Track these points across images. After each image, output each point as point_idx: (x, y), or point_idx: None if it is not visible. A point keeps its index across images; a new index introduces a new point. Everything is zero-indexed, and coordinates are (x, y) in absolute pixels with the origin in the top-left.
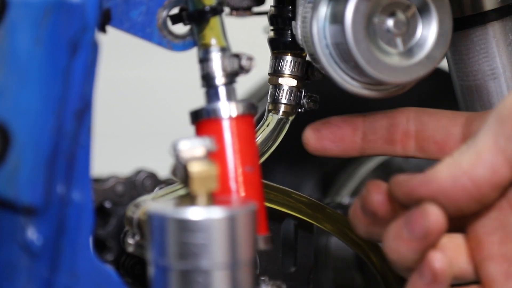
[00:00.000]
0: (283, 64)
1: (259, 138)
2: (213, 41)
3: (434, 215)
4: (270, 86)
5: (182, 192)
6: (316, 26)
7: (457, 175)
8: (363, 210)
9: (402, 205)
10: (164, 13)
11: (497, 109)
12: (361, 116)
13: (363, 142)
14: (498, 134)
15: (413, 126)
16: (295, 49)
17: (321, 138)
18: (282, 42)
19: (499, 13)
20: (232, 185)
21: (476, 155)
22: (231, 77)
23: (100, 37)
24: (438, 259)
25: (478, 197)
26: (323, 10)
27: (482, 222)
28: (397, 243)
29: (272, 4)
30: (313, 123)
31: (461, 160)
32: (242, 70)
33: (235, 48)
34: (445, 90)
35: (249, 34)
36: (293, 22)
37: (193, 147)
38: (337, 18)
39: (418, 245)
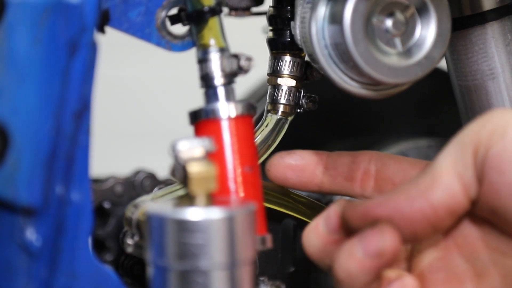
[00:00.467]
0: (282, 64)
1: (258, 138)
2: (212, 42)
3: (389, 234)
4: (269, 86)
5: (181, 192)
6: (315, 26)
7: (414, 196)
8: (325, 226)
9: (356, 228)
10: (163, 14)
11: (459, 136)
12: (326, 152)
13: (323, 177)
14: (457, 160)
15: (374, 166)
16: (294, 49)
17: (283, 166)
18: (281, 43)
19: (498, 13)
20: (231, 185)
21: (434, 177)
22: (230, 78)
23: (99, 37)
24: (395, 277)
25: (433, 221)
26: (322, 11)
27: (428, 260)
28: (349, 262)
29: (271, 4)
30: (278, 152)
31: (418, 182)
32: (241, 70)
33: (234, 49)
34: (443, 90)
35: (248, 34)
36: (292, 23)
37: (192, 148)
38: (336, 18)
39: (371, 265)
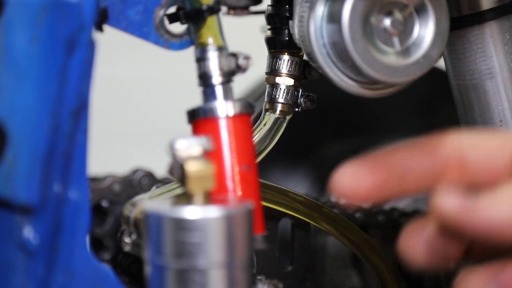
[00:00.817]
0: (280, 63)
1: (256, 137)
2: (210, 40)
3: None
4: (267, 85)
5: (178, 191)
6: (313, 25)
7: None
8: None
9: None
10: (161, 12)
11: None
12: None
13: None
14: None
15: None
16: (292, 48)
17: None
18: (279, 41)
19: (496, 13)
20: (229, 184)
21: None
22: (228, 76)
23: (97, 35)
24: None
25: None
26: (320, 10)
27: None
28: None
29: (269, 3)
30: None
31: None
32: (239, 69)
33: (232, 47)
34: (442, 90)
35: (246, 33)
36: (290, 22)
37: (190, 146)
38: (334, 17)
39: None
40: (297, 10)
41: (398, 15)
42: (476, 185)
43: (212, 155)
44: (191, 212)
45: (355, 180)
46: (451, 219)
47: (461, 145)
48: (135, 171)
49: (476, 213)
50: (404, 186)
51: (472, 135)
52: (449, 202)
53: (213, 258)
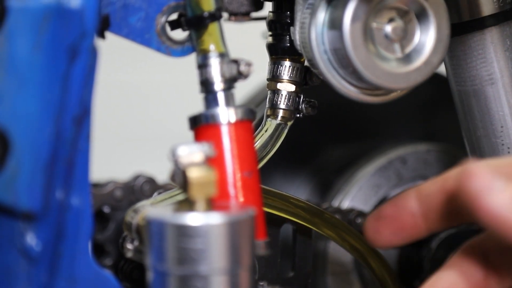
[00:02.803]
0: (282, 69)
1: (258, 143)
2: (211, 47)
3: None
4: (269, 91)
5: (180, 197)
6: (314, 31)
7: None
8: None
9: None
10: (163, 19)
11: None
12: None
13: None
14: None
15: None
16: (294, 54)
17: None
18: (280, 48)
19: (497, 19)
20: (231, 190)
21: None
22: (229, 83)
23: (99, 42)
24: None
25: None
26: (322, 16)
27: None
28: None
29: (271, 9)
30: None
31: None
32: (240, 75)
33: (233, 54)
34: (442, 95)
35: (247, 39)
36: (291, 28)
37: (192, 153)
38: (335, 24)
39: None
40: (298, 17)
41: (399, 21)
42: None
43: (214, 161)
44: (193, 219)
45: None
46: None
47: None
48: (136, 177)
49: None
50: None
51: None
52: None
53: (215, 264)
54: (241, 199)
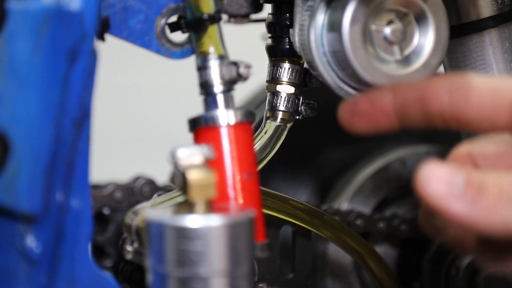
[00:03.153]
0: (281, 71)
1: (257, 145)
2: (211, 49)
3: None
4: (268, 93)
5: (180, 199)
6: (313, 34)
7: None
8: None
9: None
10: (163, 21)
11: None
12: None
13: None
14: None
15: None
16: (293, 56)
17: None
18: (280, 50)
19: (496, 21)
20: (230, 192)
21: None
22: (229, 85)
23: (99, 44)
24: None
25: None
26: (321, 18)
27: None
28: None
29: (270, 11)
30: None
31: None
32: (240, 77)
33: (233, 56)
34: None
35: (247, 41)
36: (290, 30)
37: (191, 155)
38: (334, 26)
39: None
40: (298, 19)
41: (398, 23)
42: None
43: (214, 163)
44: (193, 221)
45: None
46: (434, 204)
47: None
48: (136, 179)
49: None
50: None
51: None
52: (434, 187)
53: (214, 266)
54: (241, 201)
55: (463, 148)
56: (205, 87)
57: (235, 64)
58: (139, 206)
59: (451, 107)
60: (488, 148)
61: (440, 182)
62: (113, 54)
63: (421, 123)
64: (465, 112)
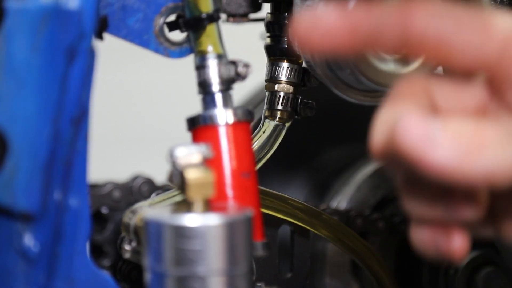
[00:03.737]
0: (280, 70)
1: (256, 144)
2: (209, 48)
3: None
4: (267, 93)
5: (178, 198)
6: None
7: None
8: None
9: None
10: (161, 20)
11: None
12: None
13: None
14: None
15: None
16: (292, 55)
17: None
18: (278, 49)
19: None
20: (229, 191)
21: None
22: (227, 84)
23: (97, 43)
24: None
25: None
26: None
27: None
28: None
29: (269, 11)
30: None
31: None
32: (238, 77)
33: (231, 55)
34: None
35: (245, 41)
36: (289, 29)
37: (190, 154)
38: None
39: None
40: None
41: None
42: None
43: (212, 162)
44: (191, 220)
45: (329, 17)
46: (407, 149)
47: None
48: (135, 178)
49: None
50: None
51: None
52: (410, 130)
53: (213, 266)
54: (239, 200)
55: (417, 81)
56: (204, 86)
57: (233, 63)
58: (137, 205)
59: (435, 33)
60: (447, 85)
61: (418, 132)
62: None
63: (391, 48)
64: (453, 37)
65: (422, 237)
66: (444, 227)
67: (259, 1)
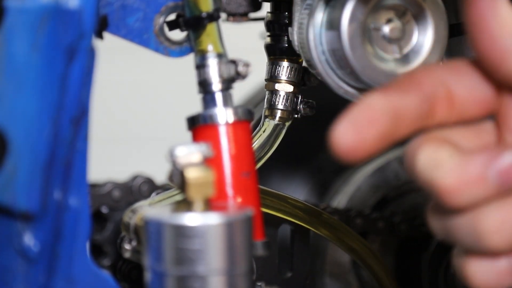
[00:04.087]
0: (280, 70)
1: (256, 143)
2: (209, 48)
3: None
4: (267, 92)
5: (178, 197)
6: (312, 32)
7: None
8: None
9: None
10: (161, 20)
11: None
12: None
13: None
14: None
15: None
16: (292, 55)
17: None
18: (278, 48)
19: None
20: (229, 191)
21: None
22: (227, 83)
23: (97, 42)
24: None
25: None
26: (320, 17)
27: None
28: None
29: (269, 10)
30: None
31: None
32: (238, 76)
33: (231, 54)
34: None
35: (245, 40)
36: (289, 28)
37: (190, 153)
38: (333, 24)
39: None
40: (297, 17)
41: (397, 22)
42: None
43: (212, 161)
44: (191, 219)
45: (358, 135)
46: (422, 177)
47: (445, 78)
48: (134, 178)
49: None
50: (400, 130)
51: (454, 66)
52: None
53: (213, 265)
54: (239, 199)
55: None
56: (204, 85)
57: (233, 62)
58: (137, 205)
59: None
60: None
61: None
62: (112, 52)
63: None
64: None
65: (485, 273)
66: None
67: (259, 0)
